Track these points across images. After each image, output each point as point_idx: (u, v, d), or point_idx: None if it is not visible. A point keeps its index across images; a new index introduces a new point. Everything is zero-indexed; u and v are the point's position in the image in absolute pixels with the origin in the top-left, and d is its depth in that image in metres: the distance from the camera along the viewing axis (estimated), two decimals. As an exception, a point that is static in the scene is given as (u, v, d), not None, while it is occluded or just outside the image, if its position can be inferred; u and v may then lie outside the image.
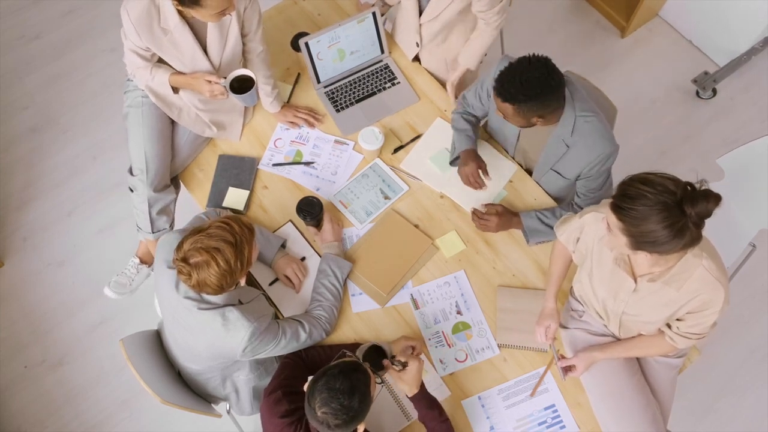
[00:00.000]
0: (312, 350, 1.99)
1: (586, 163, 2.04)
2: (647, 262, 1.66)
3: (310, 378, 1.66)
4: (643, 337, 1.92)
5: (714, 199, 1.45)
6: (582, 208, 2.13)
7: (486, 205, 2.24)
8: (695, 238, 1.51)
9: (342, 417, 1.56)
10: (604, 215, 1.60)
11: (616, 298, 1.82)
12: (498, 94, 1.91)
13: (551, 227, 2.14)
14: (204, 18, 1.96)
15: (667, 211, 1.46)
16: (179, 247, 1.72)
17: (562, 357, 2.01)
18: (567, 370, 1.98)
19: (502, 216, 2.20)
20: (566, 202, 2.28)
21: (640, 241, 1.52)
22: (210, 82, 2.09)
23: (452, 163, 2.31)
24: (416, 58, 2.57)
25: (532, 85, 1.85)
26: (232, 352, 1.85)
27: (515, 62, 1.90)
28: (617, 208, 1.53)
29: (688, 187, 1.48)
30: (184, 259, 1.69)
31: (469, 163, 2.19)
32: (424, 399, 1.85)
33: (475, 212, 2.23)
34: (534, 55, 1.89)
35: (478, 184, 2.21)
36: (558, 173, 2.16)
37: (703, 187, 1.48)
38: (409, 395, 1.84)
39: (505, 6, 2.30)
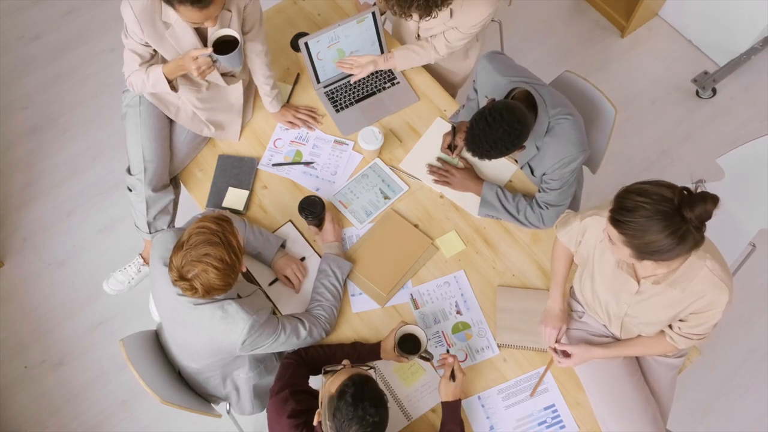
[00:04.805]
0: (312, 350, 1.99)
1: (550, 164, 2.06)
2: (651, 265, 1.65)
3: (318, 411, 1.66)
4: (644, 337, 1.92)
5: (711, 200, 1.45)
6: (540, 205, 2.16)
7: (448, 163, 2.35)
8: (698, 241, 1.51)
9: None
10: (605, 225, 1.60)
11: (619, 300, 1.82)
12: (474, 155, 1.95)
13: (505, 209, 2.19)
14: (183, 19, 1.95)
15: (668, 220, 1.46)
16: (170, 268, 1.72)
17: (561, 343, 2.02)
18: (563, 353, 1.98)
19: (466, 173, 2.27)
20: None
21: (643, 251, 1.52)
22: (196, 58, 2.01)
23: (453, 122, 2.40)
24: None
25: (500, 144, 1.88)
26: (231, 346, 1.85)
27: (475, 124, 1.90)
28: (617, 222, 1.52)
29: (684, 192, 1.47)
30: (182, 277, 1.70)
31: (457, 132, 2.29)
32: (456, 411, 1.89)
33: (432, 166, 2.32)
34: (490, 110, 1.88)
35: (446, 150, 2.32)
36: (531, 169, 2.18)
37: (699, 189, 1.48)
38: (447, 400, 1.89)
39: (468, 42, 2.38)
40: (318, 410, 1.66)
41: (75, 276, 3.01)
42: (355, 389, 1.58)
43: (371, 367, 1.76)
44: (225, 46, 2.03)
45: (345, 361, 1.75)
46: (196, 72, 2.02)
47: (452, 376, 1.90)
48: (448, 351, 2.06)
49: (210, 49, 2.00)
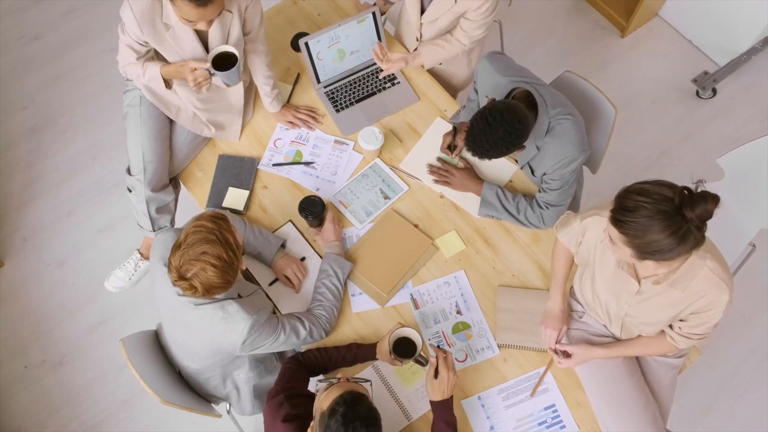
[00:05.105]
0: (309, 353, 1.99)
1: (550, 164, 2.06)
2: (652, 265, 1.65)
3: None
4: (644, 337, 1.92)
5: (712, 199, 1.45)
6: (540, 205, 2.16)
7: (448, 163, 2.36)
8: (699, 241, 1.50)
9: None
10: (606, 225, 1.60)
11: (619, 300, 1.82)
12: (474, 155, 1.95)
13: (505, 209, 2.19)
14: (178, 15, 1.95)
15: (669, 220, 1.45)
16: (169, 268, 1.72)
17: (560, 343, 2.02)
18: (563, 354, 1.98)
19: (466, 173, 2.28)
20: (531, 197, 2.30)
21: (644, 251, 1.52)
22: (194, 70, 2.02)
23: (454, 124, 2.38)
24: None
25: (501, 143, 1.89)
26: (231, 347, 1.85)
27: (476, 124, 1.90)
28: (617, 222, 1.52)
29: (685, 192, 1.47)
30: (181, 277, 1.69)
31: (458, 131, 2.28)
32: (446, 410, 1.85)
33: (432, 166, 2.32)
34: (490, 110, 1.88)
35: (446, 149, 2.32)
36: (531, 169, 2.18)
37: (700, 189, 1.48)
38: (434, 399, 1.85)
39: (489, 26, 2.35)
40: (312, 423, 1.65)
41: (75, 276, 3.01)
42: (346, 408, 1.54)
43: (367, 380, 1.73)
44: (224, 60, 2.06)
45: (340, 374, 1.73)
46: (193, 84, 2.05)
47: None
48: (439, 346, 2.04)
49: (209, 64, 2.02)
